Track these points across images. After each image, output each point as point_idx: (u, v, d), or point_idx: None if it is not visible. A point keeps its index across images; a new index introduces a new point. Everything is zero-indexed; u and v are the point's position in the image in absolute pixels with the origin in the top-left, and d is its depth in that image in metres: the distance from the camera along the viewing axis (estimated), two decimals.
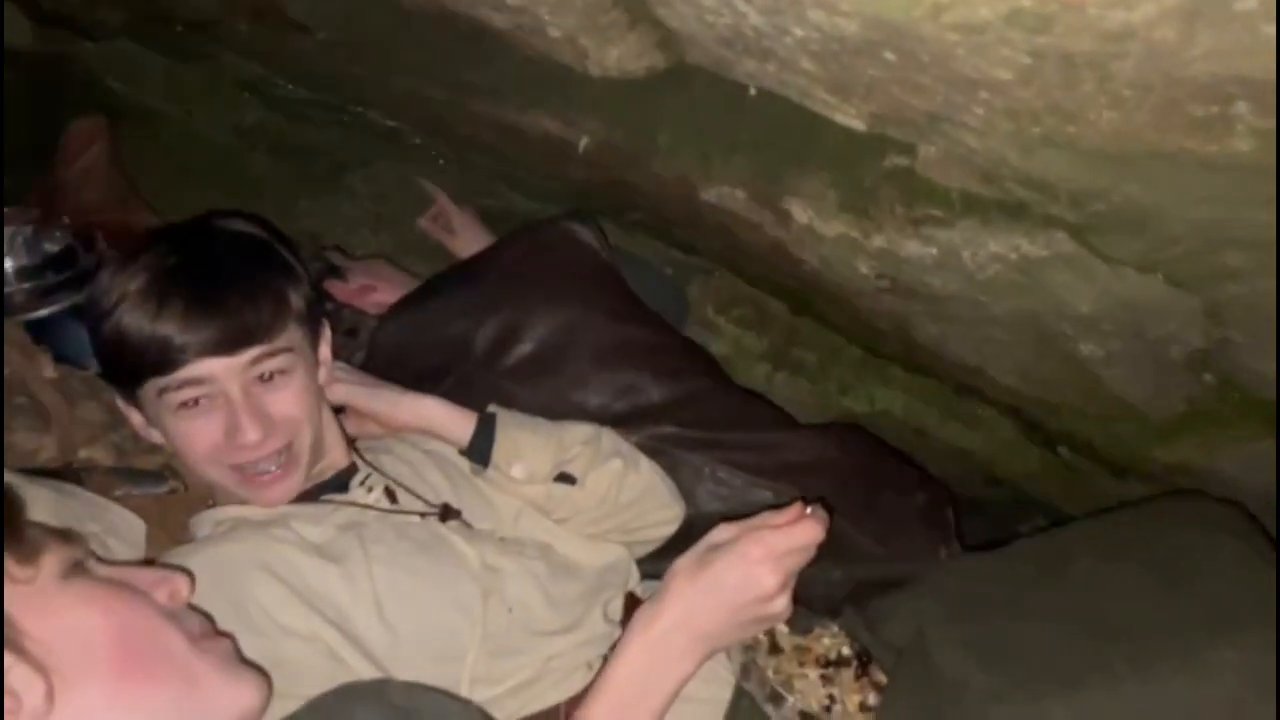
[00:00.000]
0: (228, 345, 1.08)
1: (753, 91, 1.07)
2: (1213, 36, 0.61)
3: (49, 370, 1.37)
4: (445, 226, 1.89)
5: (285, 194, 1.94)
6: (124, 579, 0.84)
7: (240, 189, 1.90)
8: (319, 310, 1.25)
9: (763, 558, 0.96)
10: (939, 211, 1.04)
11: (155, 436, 1.16)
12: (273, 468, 1.12)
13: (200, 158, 1.98)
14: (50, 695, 0.74)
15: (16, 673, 0.73)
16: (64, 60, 1.85)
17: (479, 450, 1.25)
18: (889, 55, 0.81)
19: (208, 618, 0.91)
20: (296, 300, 1.17)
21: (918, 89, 0.85)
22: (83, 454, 1.33)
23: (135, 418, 1.17)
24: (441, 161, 1.90)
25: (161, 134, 1.98)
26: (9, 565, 0.76)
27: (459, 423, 1.27)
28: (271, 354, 1.11)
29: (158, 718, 0.80)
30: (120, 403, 1.19)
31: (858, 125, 0.99)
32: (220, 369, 1.08)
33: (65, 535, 0.83)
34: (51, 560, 0.79)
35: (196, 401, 1.08)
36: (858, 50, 0.83)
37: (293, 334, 1.14)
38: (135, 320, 1.07)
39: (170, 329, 1.06)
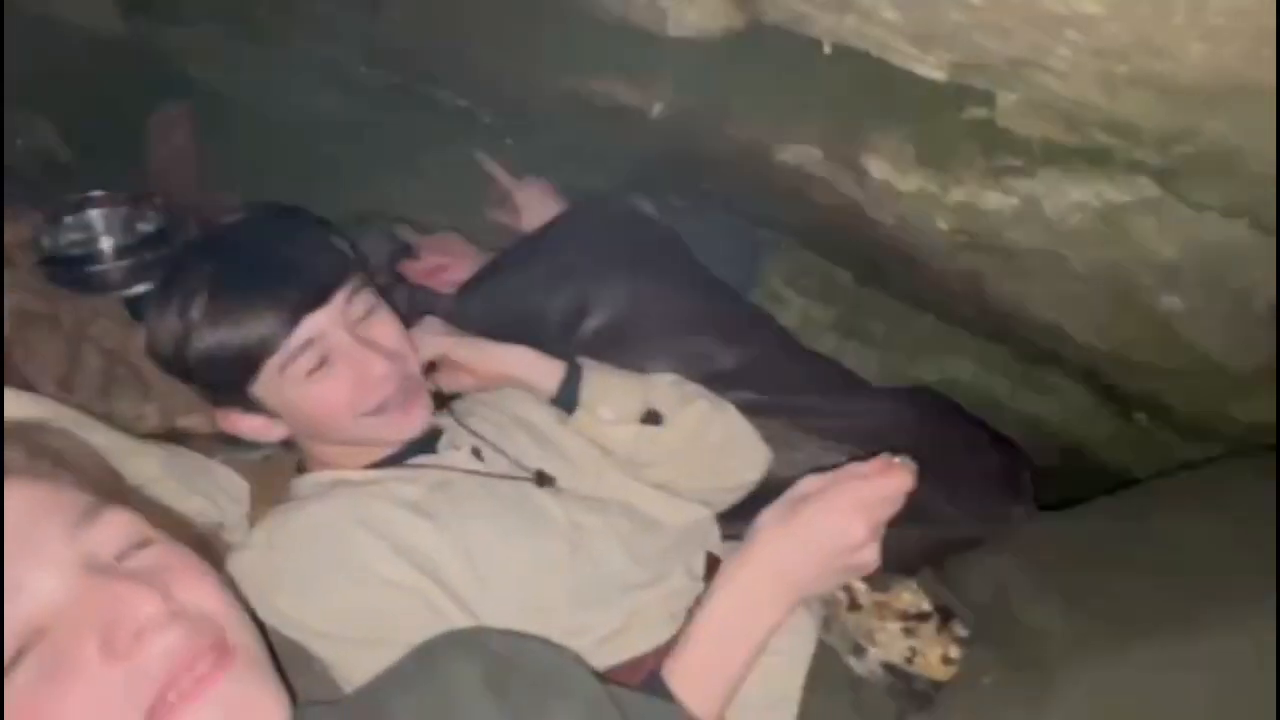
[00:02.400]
0: (318, 295, 1.11)
1: (827, 48, 1.08)
2: None
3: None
4: (509, 207, 1.91)
5: (358, 176, 1.99)
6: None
7: (313, 171, 1.94)
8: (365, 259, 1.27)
9: (852, 506, 0.97)
10: (1019, 161, 1.04)
11: (277, 433, 1.19)
12: (402, 399, 1.16)
13: (275, 141, 2.03)
14: None
15: None
16: (148, 46, 1.91)
17: (567, 394, 1.28)
18: None
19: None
20: (340, 243, 1.20)
21: (1001, 33, 0.86)
22: (181, 422, 1.38)
23: (253, 423, 1.18)
24: (509, 140, 1.92)
25: (239, 117, 2.04)
26: None
27: (548, 370, 1.30)
28: (356, 290, 1.15)
29: None
30: (227, 418, 1.18)
31: (937, 75, 1.00)
32: (325, 321, 1.11)
33: None
34: None
35: (321, 363, 1.12)
36: None
37: (359, 272, 1.18)
38: (224, 333, 1.09)
39: (260, 318, 1.09)
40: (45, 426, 0.89)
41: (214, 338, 1.09)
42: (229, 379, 1.13)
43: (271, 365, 1.11)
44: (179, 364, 1.13)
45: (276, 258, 1.12)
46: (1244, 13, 0.70)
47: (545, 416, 1.32)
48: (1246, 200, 0.97)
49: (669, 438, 1.28)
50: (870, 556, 0.99)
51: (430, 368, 1.31)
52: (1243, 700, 0.96)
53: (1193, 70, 0.79)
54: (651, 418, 1.27)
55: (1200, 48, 0.75)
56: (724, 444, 1.33)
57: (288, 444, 1.30)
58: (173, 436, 1.35)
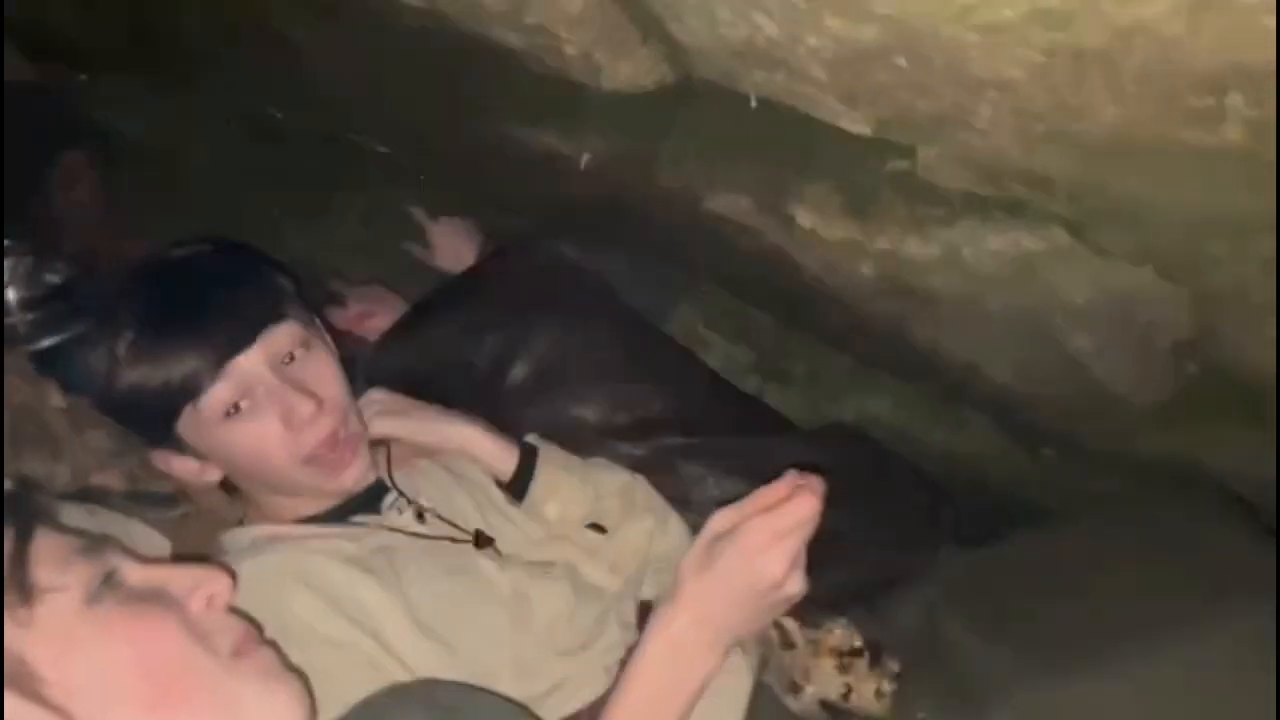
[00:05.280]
0: (241, 339, 1.08)
1: (754, 102, 1.11)
2: (1217, 28, 0.66)
3: (56, 399, 1.37)
4: (424, 243, 1.92)
5: (276, 222, 1.95)
6: (159, 585, 0.82)
7: (231, 218, 1.90)
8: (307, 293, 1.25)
9: (764, 545, 0.95)
10: (940, 211, 1.08)
11: (211, 475, 1.16)
12: (334, 453, 1.13)
13: (190, 188, 1.99)
14: None
15: None
16: (55, 93, 1.86)
17: (519, 484, 1.28)
18: (900, 60, 0.86)
19: (252, 622, 0.90)
20: (279, 279, 1.18)
21: (926, 92, 0.90)
22: (95, 480, 1.32)
23: (186, 465, 1.16)
24: (432, 186, 1.92)
25: (152, 165, 1.99)
26: (13, 609, 0.72)
27: (501, 454, 1.29)
28: (283, 328, 1.12)
29: None
30: (163, 459, 1.16)
31: (862, 130, 1.04)
32: (245, 362, 1.09)
33: (92, 548, 0.81)
34: (70, 591, 0.76)
35: (238, 407, 1.09)
36: (871, 56, 0.87)
37: (292, 309, 1.16)
38: (146, 372, 1.07)
39: (183, 359, 1.07)
40: None
41: (136, 375, 1.07)
42: (153, 418, 1.11)
43: (189, 409, 1.08)
44: (106, 403, 1.11)
45: (205, 295, 1.10)
46: (1153, 77, 0.75)
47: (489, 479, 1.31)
48: (1152, 248, 1.03)
49: (608, 546, 1.29)
50: (795, 587, 0.98)
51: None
52: None
53: (1104, 129, 0.84)
54: (594, 528, 1.28)
55: (1112, 110, 0.80)
56: (665, 556, 1.33)
57: (230, 493, 1.26)
58: (85, 496, 1.30)
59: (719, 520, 0.99)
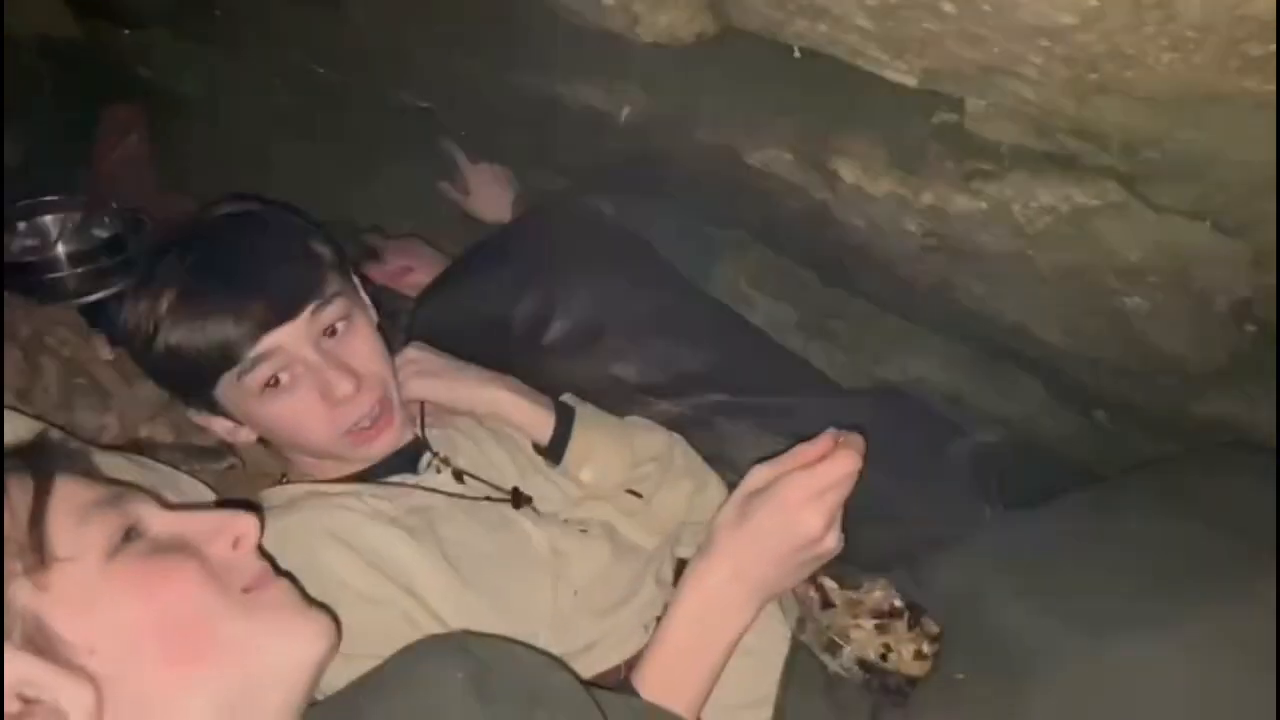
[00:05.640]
0: (282, 313, 1.08)
1: (797, 53, 1.09)
2: None
3: (105, 352, 1.39)
4: (461, 187, 1.92)
5: (317, 179, 1.96)
6: (182, 532, 0.81)
7: (272, 175, 1.91)
8: (349, 260, 1.25)
9: (802, 501, 0.94)
10: (989, 165, 1.05)
11: (245, 436, 1.17)
12: (368, 423, 1.14)
13: (233, 145, 2.00)
14: (100, 701, 0.71)
15: (64, 690, 0.69)
16: (102, 49, 1.88)
17: (555, 447, 1.27)
18: (948, 7, 0.83)
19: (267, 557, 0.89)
20: (322, 249, 1.18)
21: (974, 40, 0.87)
22: (144, 432, 1.35)
23: (220, 425, 1.17)
24: (472, 141, 1.91)
25: (195, 121, 2.01)
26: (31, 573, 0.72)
27: (537, 418, 1.28)
28: (325, 303, 1.12)
29: (218, 692, 0.78)
30: (199, 417, 1.18)
31: (908, 81, 1.01)
32: (286, 337, 1.09)
33: (114, 500, 0.80)
34: (90, 554, 0.75)
35: (277, 380, 1.10)
36: (917, 3, 0.84)
37: (335, 281, 1.16)
38: (185, 334, 1.08)
39: (223, 325, 1.07)
40: None
41: (176, 337, 1.08)
42: (191, 382, 1.12)
43: (230, 374, 1.09)
44: (145, 359, 1.12)
45: (249, 263, 1.11)
46: (1212, 25, 0.72)
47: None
48: (1209, 204, 1.00)
49: (646, 512, 1.28)
50: (831, 544, 0.97)
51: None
52: (1214, 697, 0.98)
53: (1161, 79, 0.81)
54: (632, 493, 1.27)
55: (1169, 57, 0.77)
56: (703, 518, 1.32)
57: (272, 449, 1.27)
58: (134, 447, 1.33)
59: (756, 476, 0.98)
